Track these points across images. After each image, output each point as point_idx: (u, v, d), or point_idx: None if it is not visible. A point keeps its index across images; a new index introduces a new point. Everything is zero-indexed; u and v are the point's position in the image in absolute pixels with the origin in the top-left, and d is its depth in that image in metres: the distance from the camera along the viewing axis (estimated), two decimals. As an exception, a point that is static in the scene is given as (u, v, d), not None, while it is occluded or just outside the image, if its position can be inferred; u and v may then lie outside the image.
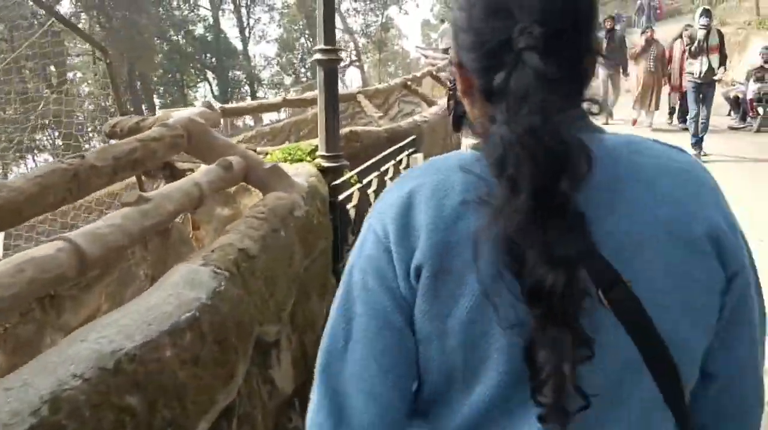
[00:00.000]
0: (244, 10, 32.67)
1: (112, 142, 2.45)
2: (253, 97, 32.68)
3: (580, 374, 0.65)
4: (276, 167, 2.42)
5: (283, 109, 12.35)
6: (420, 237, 0.72)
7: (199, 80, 32.61)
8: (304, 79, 32.37)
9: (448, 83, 0.87)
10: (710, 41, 8.37)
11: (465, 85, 0.80)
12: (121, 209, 1.68)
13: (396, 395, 0.74)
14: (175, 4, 30.57)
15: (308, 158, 3.78)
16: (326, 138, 4.01)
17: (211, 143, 2.37)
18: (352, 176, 3.68)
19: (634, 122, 11.04)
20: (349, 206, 3.41)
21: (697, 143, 8.52)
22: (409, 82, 8.03)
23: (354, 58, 33.79)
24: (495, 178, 0.67)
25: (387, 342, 0.74)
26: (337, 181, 3.27)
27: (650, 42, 10.60)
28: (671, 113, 11.16)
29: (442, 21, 19.42)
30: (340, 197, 3.32)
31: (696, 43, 8.38)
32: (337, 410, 0.74)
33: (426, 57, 16.36)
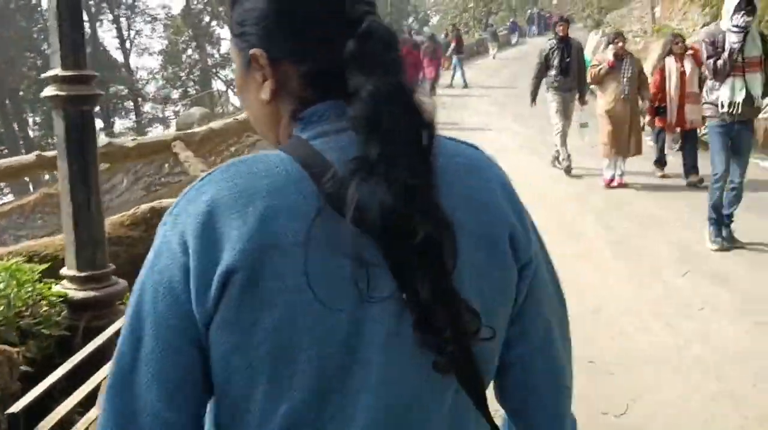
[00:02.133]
0: (124, 21, 31.42)
1: None
2: (138, 112, 31.33)
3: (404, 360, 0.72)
4: None
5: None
6: (226, 247, 0.69)
7: (77, 95, 31.14)
8: (193, 92, 31.44)
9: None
10: (747, 51, 4.92)
11: (278, 79, 0.78)
12: None
13: (184, 419, 0.73)
14: (47, 16, 29.15)
15: (39, 289, 2.23)
16: (76, 243, 2.88)
17: None
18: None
19: (610, 182, 7.19)
20: None
21: (720, 225, 5.15)
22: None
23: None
24: (365, 135, 0.69)
25: (173, 365, 0.72)
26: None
27: (621, 56, 7.03)
28: (659, 162, 7.58)
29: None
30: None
31: (726, 55, 4.89)
32: None
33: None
